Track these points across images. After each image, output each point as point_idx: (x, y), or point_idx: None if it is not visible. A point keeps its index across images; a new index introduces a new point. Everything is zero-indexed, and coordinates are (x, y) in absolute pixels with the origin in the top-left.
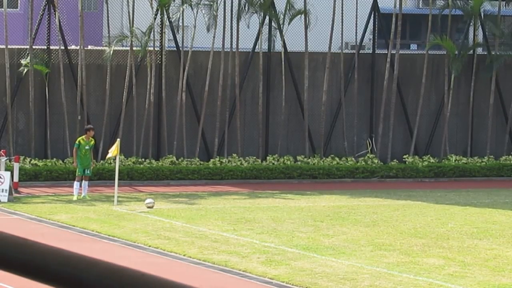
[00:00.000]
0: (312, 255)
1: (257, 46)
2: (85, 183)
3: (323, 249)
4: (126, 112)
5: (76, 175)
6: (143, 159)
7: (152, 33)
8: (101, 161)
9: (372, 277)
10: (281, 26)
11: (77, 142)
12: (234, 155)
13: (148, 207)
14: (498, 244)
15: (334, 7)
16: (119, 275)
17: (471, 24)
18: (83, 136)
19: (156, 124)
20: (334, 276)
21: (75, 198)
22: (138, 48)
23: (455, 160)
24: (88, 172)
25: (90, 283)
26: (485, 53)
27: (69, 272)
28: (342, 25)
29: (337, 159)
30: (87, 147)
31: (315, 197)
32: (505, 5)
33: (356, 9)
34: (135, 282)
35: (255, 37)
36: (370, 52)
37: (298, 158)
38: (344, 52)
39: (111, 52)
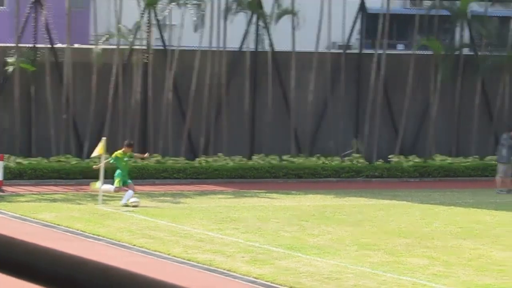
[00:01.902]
0: (296, 255)
1: (244, 45)
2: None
3: (308, 248)
4: (112, 111)
5: (119, 185)
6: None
7: (139, 31)
8: (86, 160)
9: (357, 276)
10: (268, 25)
11: (113, 156)
12: (220, 154)
13: (133, 206)
14: (482, 244)
15: (322, 6)
16: (109, 275)
17: (458, 24)
18: (121, 151)
19: (142, 123)
20: (318, 275)
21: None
22: (125, 46)
23: (440, 160)
24: (129, 180)
25: (79, 283)
26: (472, 53)
27: (58, 271)
28: (329, 24)
29: (322, 158)
30: (126, 159)
31: (301, 196)
32: (492, 6)
33: (344, 8)
34: (124, 281)
35: (242, 36)
36: (357, 52)
37: (284, 157)
38: (331, 52)
39: (101, 51)
